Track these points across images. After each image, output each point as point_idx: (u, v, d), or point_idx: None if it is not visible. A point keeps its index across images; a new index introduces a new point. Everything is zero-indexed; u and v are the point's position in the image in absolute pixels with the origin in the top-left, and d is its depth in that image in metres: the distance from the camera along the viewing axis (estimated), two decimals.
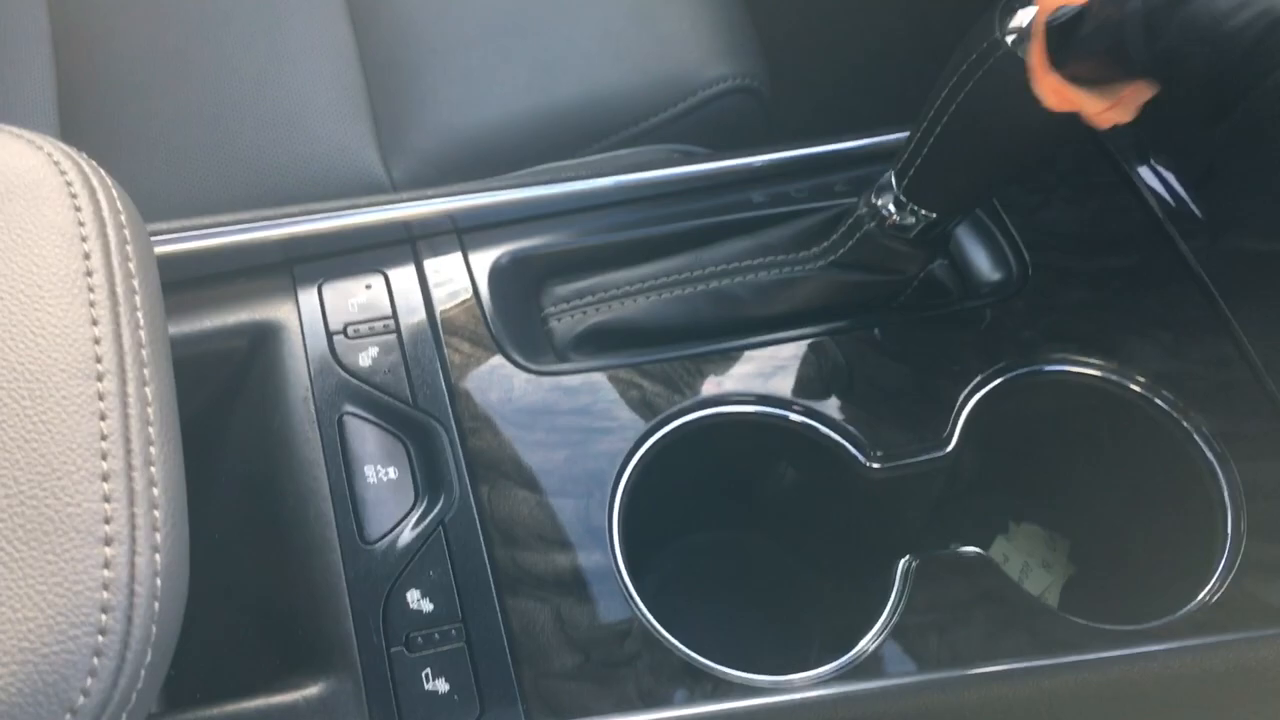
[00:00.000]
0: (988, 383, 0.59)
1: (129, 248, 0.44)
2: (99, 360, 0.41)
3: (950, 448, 0.58)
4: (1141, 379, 0.59)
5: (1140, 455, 0.61)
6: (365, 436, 0.55)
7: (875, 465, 0.57)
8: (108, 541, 0.38)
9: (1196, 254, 0.63)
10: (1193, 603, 0.54)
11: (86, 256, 0.43)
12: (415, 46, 0.81)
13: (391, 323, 0.58)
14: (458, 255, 0.61)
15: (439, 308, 0.59)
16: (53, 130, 0.74)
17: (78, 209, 0.44)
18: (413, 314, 0.59)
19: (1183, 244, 0.63)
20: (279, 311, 0.58)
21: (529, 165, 0.78)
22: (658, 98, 0.80)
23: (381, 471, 0.54)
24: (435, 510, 0.53)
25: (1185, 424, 0.58)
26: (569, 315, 0.62)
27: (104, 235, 0.44)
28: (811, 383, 0.59)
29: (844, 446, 0.57)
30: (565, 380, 0.57)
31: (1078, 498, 0.66)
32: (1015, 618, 0.53)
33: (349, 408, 0.55)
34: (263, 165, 0.77)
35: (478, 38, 0.81)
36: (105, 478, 0.39)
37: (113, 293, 0.43)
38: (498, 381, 0.57)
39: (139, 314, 0.43)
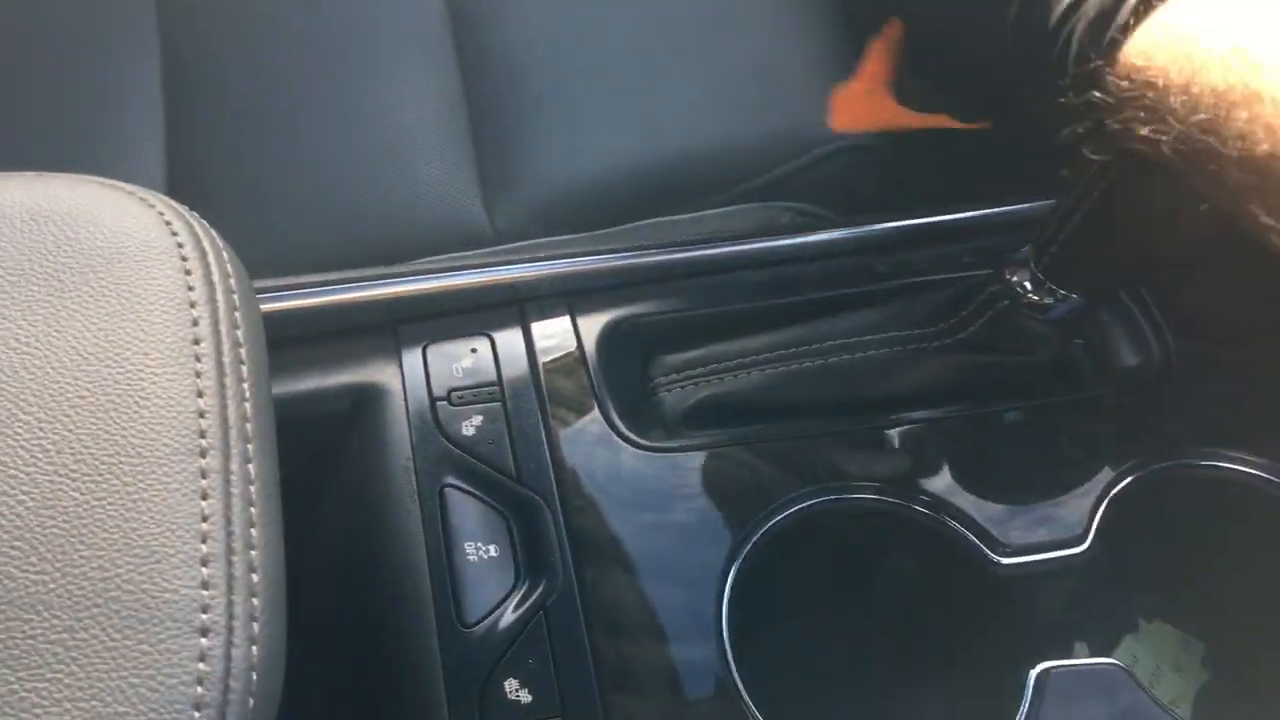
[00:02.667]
0: (1127, 476, 0.55)
1: (238, 314, 0.43)
2: (203, 435, 0.39)
3: (1086, 545, 0.54)
4: None
5: None
6: (466, 511, 0.53)
7: (1004, 561, 0.53)
8: (204, 632, 0.36)
9: None
10: None
11: (195, 324, 0.41)
12: (524, 95, 0.80)
13: (497, 390, 0.56)
14: (566, 319, 0.58)
15: (545, 375, 0.57)
16: (159, 174, 0.74)
17: (188, 273, 0.42)
18: (518, 381, 0.56)
19: None
20: (382, 374, 0.56)
21: (636, 218, 0.76)
22: (771, 153, 0.77)
23: (482, 549, 0.52)
24: (537, 593, 0.51)
25: None
26: (679, 387, 0.59)
27: (213, 301, 0.42)
28: (935, 470, 0.55)
29: (970, 540, 0.54)
30: (675, 458, 0.54)
31: (1218, 602, 0.61)
32: None
33: (450, 479, 0.53)
34: (365, 208, 0.76)
35: (588, 88, 0.80)
36: (205, 562, 0.37)
37: (220, 363, 0.41)
38: (604, 457, 0.54)
39: (245, 386, 0.41)
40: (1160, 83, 0.38)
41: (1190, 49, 0.37)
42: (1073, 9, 0.41)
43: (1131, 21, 0.39)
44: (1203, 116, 0.36)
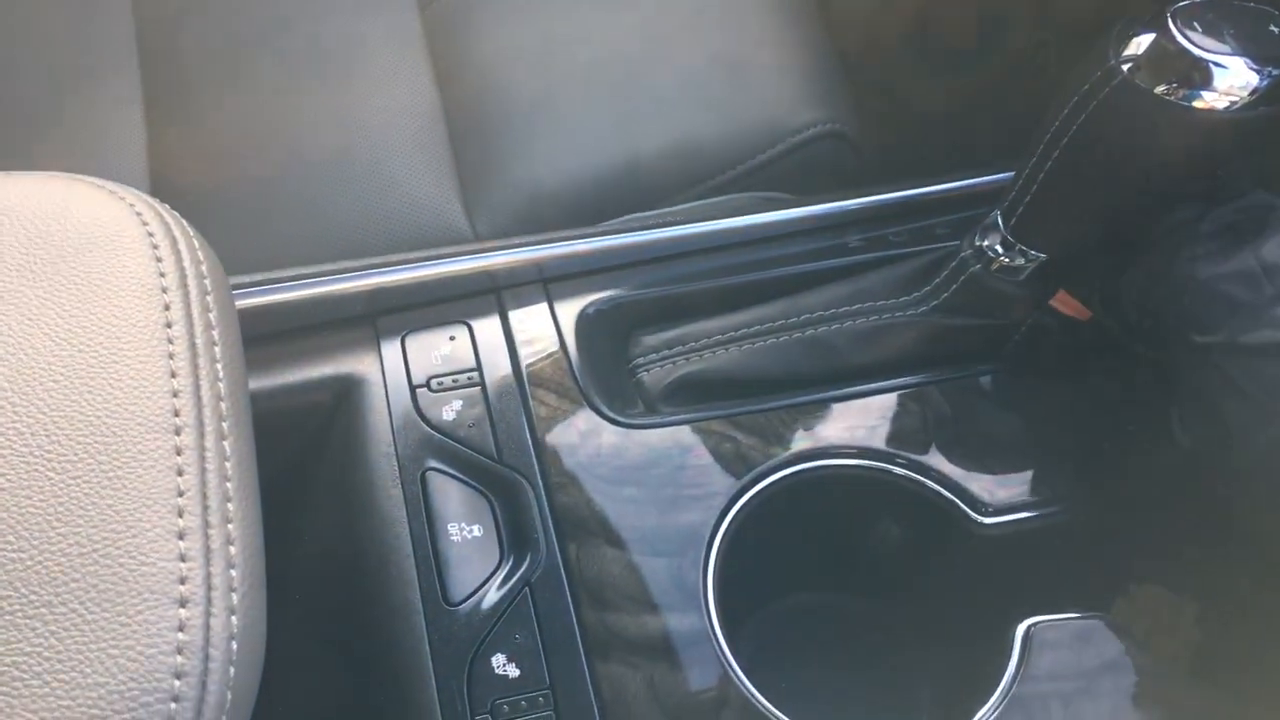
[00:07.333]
0: (1107, 435, 0.55)
1: (209, 298, 0.43)
2: (177, 414, 0.40)
3: (1066, 504, 0.54)
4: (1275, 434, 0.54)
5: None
6: (449, 493, 0.53)
7: (987, 521, 0.53)
8: (183, 603, 0.36)
9: None
10: None
11: (166, 308, 0.42)
12: (500, 101, 0.81)
13: (476, 375, 0.56)
14: (543, 305, 0.59)
15: (524, 359, 0.57)
16: (144, 183, 0.75)
17: (159, 260, 0.43)
18: (497, 366, 0.57)
19: None
20: (362, 365, 0.56)
21: (615, 217, 0.77)
22: (746, 145, 0.78)
23: (465, 529, 0.52)
24: (521, 570, 0.51)
25: None
26: (658, 366, 0.59)
27: (184, 286, 0.43)
28: (916, 435, 0.55)
29: (953, 502, 0.54)
30: (655, 433, 0.55)
31: (1207, 559, 0.61)
32: (1147, 687, 0.49)
33: (432, 463, 0.53)
34: (347, 219, 0.77)
35: (562, 91, 0.80)
36: (181, 535, 0.38)
37: (192, 345, 0.41)
38: (585, 435, 0.55)
39: (218, 366, 0.42)
40: None
41: None
42: None
43: None
44: None
